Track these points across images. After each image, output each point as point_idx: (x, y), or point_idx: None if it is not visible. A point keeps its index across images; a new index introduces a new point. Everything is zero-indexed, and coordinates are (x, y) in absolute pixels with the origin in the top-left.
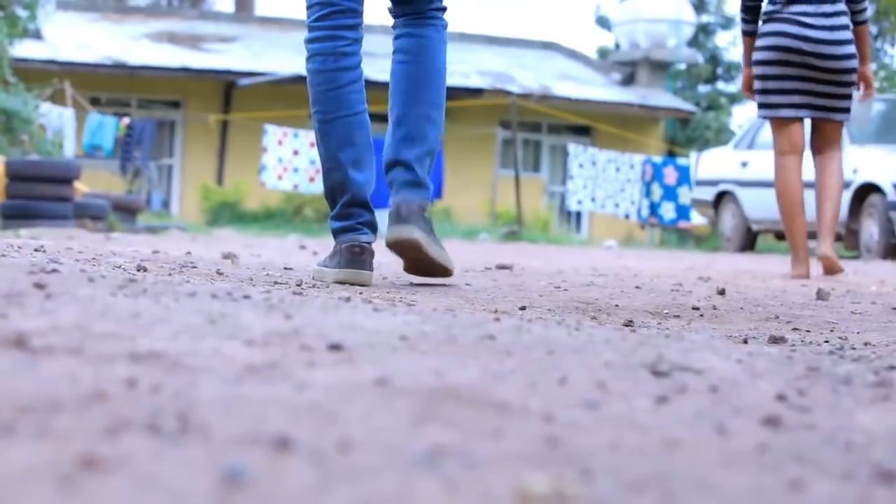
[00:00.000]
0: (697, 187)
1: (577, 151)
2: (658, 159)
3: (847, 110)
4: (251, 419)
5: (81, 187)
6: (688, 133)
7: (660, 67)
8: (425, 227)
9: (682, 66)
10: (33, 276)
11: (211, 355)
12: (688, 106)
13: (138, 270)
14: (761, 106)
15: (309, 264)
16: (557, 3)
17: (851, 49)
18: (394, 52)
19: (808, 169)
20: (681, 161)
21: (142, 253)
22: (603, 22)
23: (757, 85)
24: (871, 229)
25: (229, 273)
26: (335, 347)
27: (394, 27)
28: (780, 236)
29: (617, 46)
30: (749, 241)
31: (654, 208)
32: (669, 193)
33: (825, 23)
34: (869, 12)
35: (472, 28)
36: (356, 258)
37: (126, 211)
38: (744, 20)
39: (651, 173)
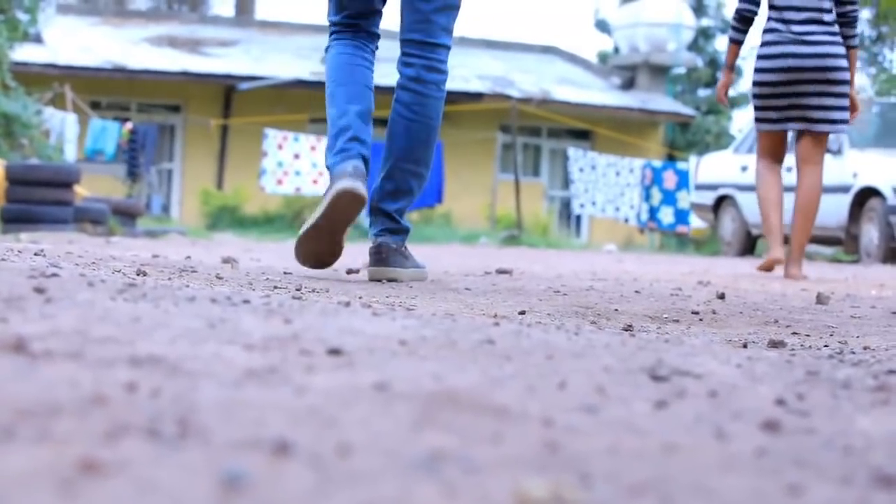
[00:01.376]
0: (697, 191)
1: (577, 156)
2: (658, 163)
3: (834, 121)
4: (250, 423)
5: (81, 191)
6: (688, 137)
7: (660, 71)
8: (402, 261)
9: (682, 70)
10: (33, 281)
11: (210, 360)
12: (687, 110)
13: (138, 275)
14: (759, 120)
15: (308, 269)
16: (557, 8)
17: (844, 63)
18: (396, 102)
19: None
20: (680, 165)
21: (141, 257)
22: (602, 26)
23: (756, 102)
24: (870, 233)
25: (229, 277)
26: (334, 352)
27: (402, 64)
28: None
29: (617, 50)
30: (749, 245)
31: (653, 213)
32: (668, 198)
33: (823, 38)
34: (858, 39)
35: (471, 32)
36: (355, 174)
37: (126, 215)
38: (735, 28)
39: (651, 177)
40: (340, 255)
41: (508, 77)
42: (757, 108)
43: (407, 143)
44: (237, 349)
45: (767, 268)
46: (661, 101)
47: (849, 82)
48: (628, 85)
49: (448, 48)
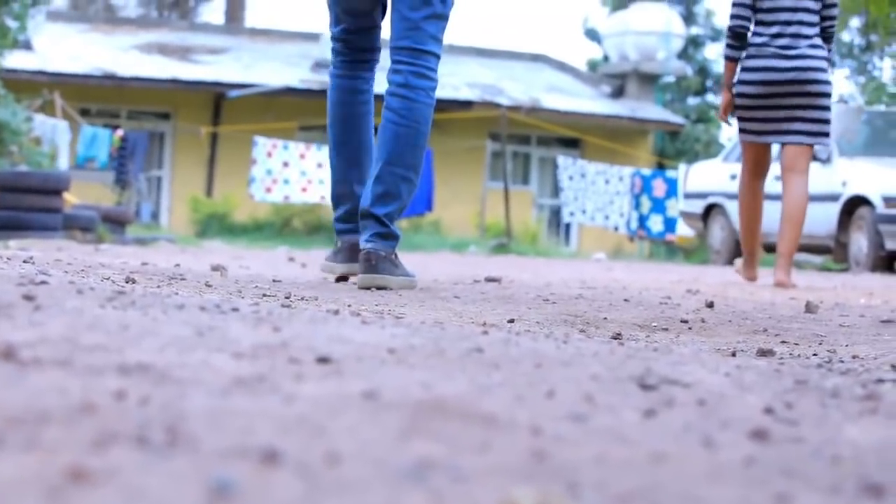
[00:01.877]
0: (686, 200)
1: (567, 164)
2: (647, 172)
3: (817, 134)
4: (239, 432)
5: (71, 199)
6: (677, 146)
7: (649, 80)
8: (392, 269)
9: (672, 79)
10: (22, 288)
11: (199, 368)
12: (677, 118)
13: (127, 282)
14: (743, 131)
15: (297, 277)
16: (547, 16)
17: (826, 77)
18: (386, 108)
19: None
20: (670, 174)
21: (131, 265)
22: (592, 34)
23: (742, 113)
24: (860, 242)
25: (218, 285)
26: (323, 360)
27: (392, 71)
28: (768, 248)
29: (606, 59)
30: (738, 253)
31: (642, 221)
32: (658, 206)
33: (807, 52)
34: (834, 55)
35: (461, 40)
36: (357, 254)
37: (115, 222)
38: (730, 46)
39: (640, 186)
40: (409, 285)
41: (498, 85)
42: (740, 120)
43: (396, 148)
44: (226, 357)
45: (747, 279)
46: (651, 110)
47: (828, 94)
48: (618, 93)
49: (437, 56)
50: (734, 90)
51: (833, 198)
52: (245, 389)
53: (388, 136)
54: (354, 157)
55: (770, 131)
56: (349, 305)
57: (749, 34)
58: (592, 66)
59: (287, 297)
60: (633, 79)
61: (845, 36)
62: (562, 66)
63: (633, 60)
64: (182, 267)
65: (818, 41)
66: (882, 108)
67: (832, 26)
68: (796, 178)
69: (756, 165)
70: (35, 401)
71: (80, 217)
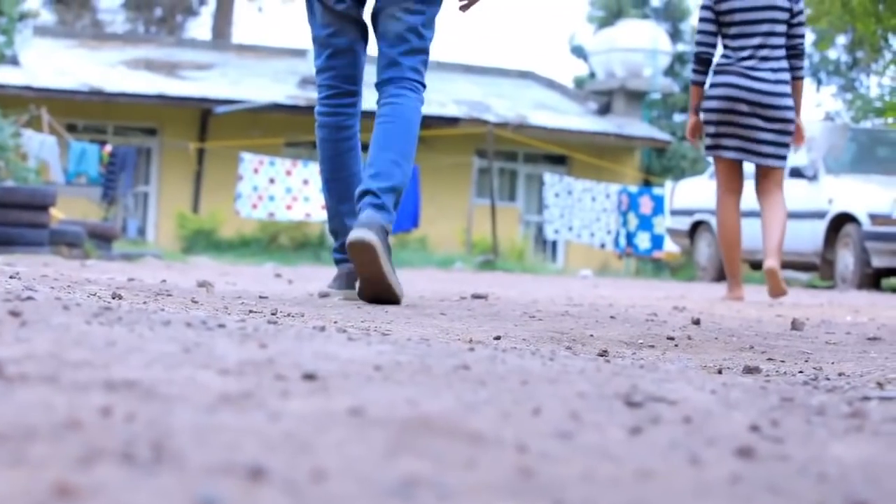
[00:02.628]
0: (673, 217)
1: (553, 181)
2: (634, 189)
3: (784, 157)
4: (225, 448)
5: (57, 214)
6: (663, 162)
7: (636, 97)
8: (384, 240)
9: (658, 96)
10: (8, 304)
11: (185, 384)
12: (664, 135)
13: (113, 298)
14: (709, 147)
15: (284, 293)
16: (534, 33)
17: (790, 102)
18: (377, 117)
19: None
20: (656, 191)
21: (117, 280)
22: (578, 51)
23: (708, 129)
24: (846, 259)
25: (204, 301)
26: (309, 377)
27: (379, 97)
28: (755, 266)
29: (593, 76)
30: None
31: (629, 238)
32: (645, 223)
33: (770, 77)
34: (806, 70)
35: (448, 57)
36: (353, 280)
37: (102, 238)
38: (696, 70)
39: (627, 203)
40: (397, 296)
41: (485, 102)
42: (707, 136)
43: (385, 138)
44: (212, 374)
45: (734, 298)
46: (638, 127)
47: (791, 120)
48: (604, 110)
49: (420, 82)
50: (703, 108)
51: (819, 215)
52: (231, 406)
53: (380, 133)
54: (345, 192)
55: (736, 147)
56: (335, 322)
57: (716, 56)
58: (579, 83)
59: (273, 314)
60: (620, 96)
61: (832, 53)
62: (549, 83)
63: (620, 77)
64: (168, 283)
65: (784, 63)
66: (868, 125)
67: (801, 44)
68: (774, 197)
69: (730, 184)
70: (21, 417)
71: (67, 232)
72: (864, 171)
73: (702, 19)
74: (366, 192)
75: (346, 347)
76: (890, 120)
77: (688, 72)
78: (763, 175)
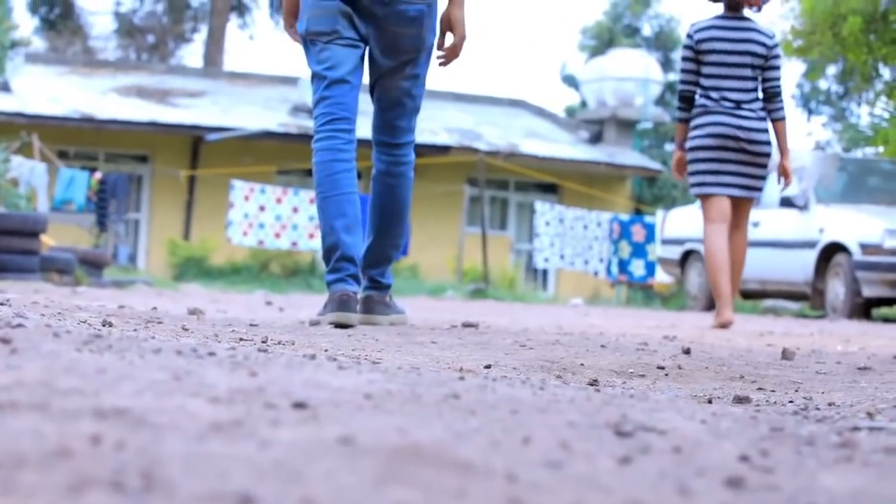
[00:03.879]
0: (664, 246)
1: (544, 209)
2: (625, 217)
3: (758, 189)
4: (215, 477)
5: (48, 241)
6: (654, 191)
7: (627, 126)
8: (384, 309)
9: (650, 125)
10: None
11: (175, 412)
12: (655, 164)
13: (104, 325)
14: (695, 185)
15: (275, 320)
16: (525, 62)
17: (769, 138)
18: (373, 191)
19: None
20: (648, 219)
21: (108, 308)
22: (570, 80)
23: (695, 167)
24: (836, 289)
25: (195, 329)
26: (300, 405)
27: (375, 161)
28: (745, 295)
29: (584, 104)
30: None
31: (623, 266)
32: (638, 251)
33: (751, 115)
34: (785, 111)
35: (439, 85)
36: (344, 304)
37: (92, 265)
38: (680, 108)
39: (619, 231)
40: (401, 321)
41: (476, 130)
42: (692, 174)
43: (383, 223)
44: (202, 402)
45: (723, 326)
46: (629, 156)
47: (769, 155)
48: (596, 139)
49: (411, 142)
50: (687, 146)
51: (810, 244)
52: (221, 434)
53: (377, 214)
54: (339, 208)
55: (722, 184)
56: (326, 350)
57: (698, 95)
58: (570, 111)
59: (264, 342)
60: (611, 124)
61: (822, 83)
62: (540, 112)
63: (611, 106)
64: (159, 310)
65: (758, 104)
66: (859, 154)
67: (777, 85)
68: (740, 231)
69: (717, 214)
70: (11, 445)
71: (58, 259)
72: (855, 201)
73: (684, 58)
74: (367, 275)
75: (337, 376)
76: (880, 149)
77: None
78: (738, 207)
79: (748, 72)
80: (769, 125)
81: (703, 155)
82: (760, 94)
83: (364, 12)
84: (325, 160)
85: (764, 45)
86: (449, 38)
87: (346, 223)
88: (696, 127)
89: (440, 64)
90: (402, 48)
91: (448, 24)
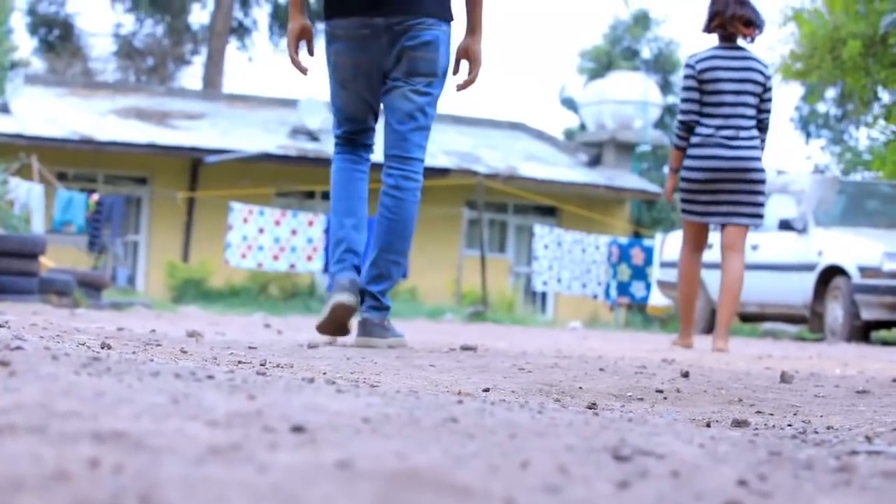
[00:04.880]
0: (663, 269)
1: (543, 232)
2: (624, 240)
3: (753, 216)
4: (213, 501)
5: (47, 262)
6: (653, 215)
7: (626, 149)
8: (383, 332)
9: (648, 148)
10: None
11: (174, 436)
12: (653, 187)
13: (102, 348)
14: (687, 212)
15: (273, 343)
16: (524, 84)
17: (762, 165)
18: (381, 205)
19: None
20: (647, 242)
21: (106, 330)
22: (569, 103)
23: (684, 195)
24: (835, 312)
25: (193, 351)
26: (298, 429)
27: (385, 175)
28: (744, 318)
29: (583, 127)
30: (713, 323)
31: (624, 288)
32: (638, 273)
33: (746, 144)
34: (766, 143)
35: (439, 108)
36: (346, 288)
37: (91, 287)
38: (680, 136)
39: (618, 254)
40: (350, 331)
41: (475, 153)
42: (684, 202)
43: (388, 238)
44: (200, 425)
45: (684, 345)
46: (628, 179)
47: (763, 181)
48: (595, 162)
49: (422, 160)
50: (680, 174)
51: (809, 267)
52: (219, 458)
53: (382, 229)
54: (350, 209)
55: (711, 213)
56: (324, 373)
57: (698, 124)
58: (569, 134)
59: (262, 364)
60: (610, 147)
61: (821, 106)
62: (539, 135)
63: (610, 129)
64: (158, 332)
65: (755, 132)
66: (858, 177)
67: (767, 118)
68: (735, 255)
69: (694, 243)
70: (9, 468)
71: (56, 281)
72: (854, 224)
73: (687, 88)
74: (369, 294)
75: (335, 399)
76: (879, 172)
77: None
78: (729, 229)
79: (748, 99)
80: (762, 153)
81: (698, 186)
82: (755, 124)
83: (383, 47)
84: (342, 168)
85: (762, 73)
86: (465, 67)
87: (355, 222)
88: (691, 157)
89: (457, 90)
90: (417, 71)
91: (466, 55)
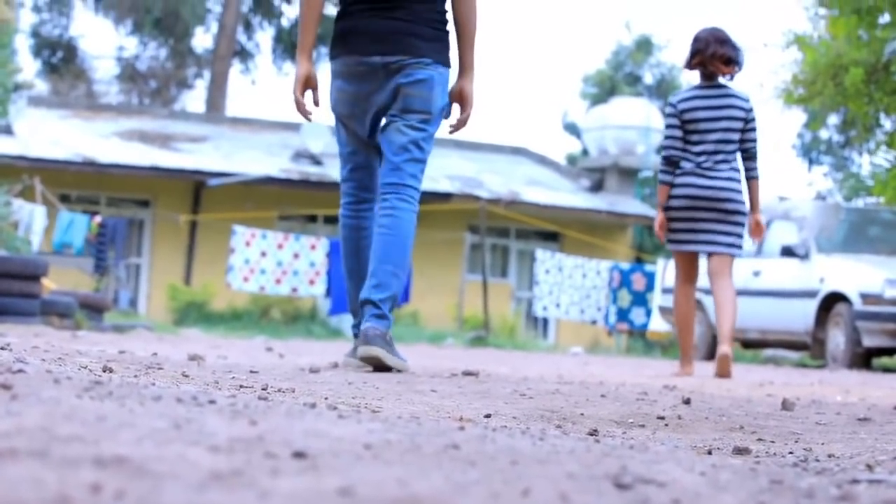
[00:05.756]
0: (664, 295)
1: (545, 257)
2: (625, 266)
3: (735, 246)
4: None
5: (49, 284)
6: (655, 240)
7: (628, 174)
8: (385, 345)
9: (651, 173)
10: None
11: (175, 461)
12: (656, 213)
13: (104, 371)
14: (671, 241)
15: (275, 367)
16: (526, 109)
17: (742, 198)
18: (377, 226)
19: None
20: (648, 268)
21: (108, 353)
22: (571, 128)
23: (670, 225)
24: (837, 338)
25: (195, 375)
26: (299, 455)
27: (381, 202)
28: (745, 345)
29: (586, 152)
30: (715, 349)
31: (624, 314)
32: (639, 299)
33: (725, 175)
34: (759, 171)
35: (441, 132)
36: (370, 338)
37: (93, 309)
38: (664, 171)
39: (619, 280)
40: (402, 365)
41: (478, 178)
42: (669, 231)
43: (385, 250)
44: (202, 451)
45: (685, 374)
46: (630, 204)
47: (743, 213)
48: (597, 187)
49: (417, 189)
50: (665, 206)
51: (810, 294)
52: (221, 484)
53: (380, 244)
54: (363, 278)
55: (690, 241)
56: (326, 398)
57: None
58: (572, 159)
59: (264, 389)
60: (613, 173)
61: (823, 133)
62: (541, 160)
63: (613, 154)
64: (159, 356)
65: (737, 164)
66: (860, 204)
67: (753, 147)
68: (723, 280)
69: (686, 274)
70: (10, 492)
71: (58, 303)
72: (856, 251)
73: (669, 126)
74: (368, 302)
75: (337, 425)
76: (881, 199)
77: None
78: (714, 261)
79: (729, 135)
80: (743, 184)
81: (677, 214)
82: (737, 156)
83: (381, 85)
84: (350, 236)
85: (741, 108)
86: (457, 109)
87: None
88: (675, 186)
89: (450, 132)
90: (413, 108)
91: (458, 97)
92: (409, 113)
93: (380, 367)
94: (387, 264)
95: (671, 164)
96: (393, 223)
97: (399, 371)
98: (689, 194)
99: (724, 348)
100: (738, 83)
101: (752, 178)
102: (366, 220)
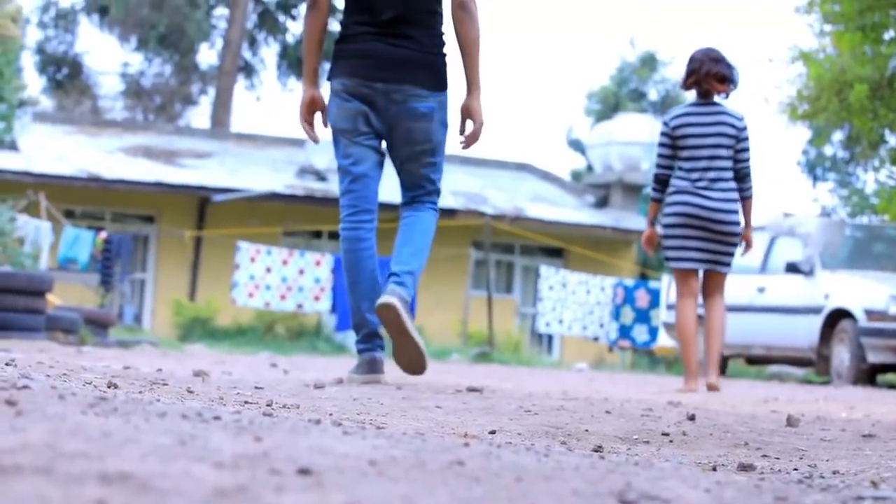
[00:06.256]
0: (669, 311)
1: (549, 273)
2: (630, 282)
3: (729, 265)
4: None
5: (54, 300)
6: (660, 256)
7: (633, 190)
8: (405, 305)
9: None
10: (4, 393)
11: (180, 477)
12: (660, 229)
13: (109, 387)
14: (670, 259)
15: (280, 383)
16: (531, 126)
17: (738, 217)
18: (400, 226)
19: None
20: (653, 284)
21: (113, 368)
22: (576, 144)
23: (667, 242)
24: (841, 355)
25: (200, 391)
26: (304, 471)
27: (401, 214)
28: (750, 361)
29: (590, 169)
30: (721, 365)
31: (626, 331)
32: (642, 316)
33: (720, 196)
34: (753, 190)
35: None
36: (373, 366)
37: (98, 324)
38: (655, 189)
39: (623, 296)
40: (424, 356)
41: (482, 194)
42: (667, 249)
43: (407, 235)
44: (207, 467)
45: (689, 391)
46: (635, 220)
47: (738, 233)
48: (602, 203)
49: (438, 192)
50: (662, 224)
51: (815, 310)
52: (226, 501)
53: (402, 232)
54: (364, 292)
55: (690, 258)
56: (330, 414)
57: (675, 177)
58: (576, 176)
59: (269, 405)
60: (618, 189)
61: (828, 149)
62: (546, 176)
63: (618, 171)
64: (164, 371)
65: (732, 183)
66: (865, 220)
67: (746, 167)
68: (715, 299)
69: (687, 289)
70: None
71: (63, 318)
72: (861, 267)
73: (661, 144)
74: (391, 274)
75: (342, 441)
76: (886, 216)
77: None
78: (709, 279)
79: (721, 152)
80: (738, 203)
81: (674, 232)
82: (730, 175)
83: (380, 110)
84: (350, 249)
85: (734, 126)
86: (469, 125)
87: (371, 304)
88: (670, 205)
89: (462, 147)
90: (414, 140)
91: (467, 114)
92: (412, 145)
93: (393, 321)
94: (407, 246)
95: (659, 182)
96: (414, 219)
97: (411, 336)
98: (684, 212)
99: (712, 380)
100: (740, 100)
101: (747, 198)
102: (365, 231)
